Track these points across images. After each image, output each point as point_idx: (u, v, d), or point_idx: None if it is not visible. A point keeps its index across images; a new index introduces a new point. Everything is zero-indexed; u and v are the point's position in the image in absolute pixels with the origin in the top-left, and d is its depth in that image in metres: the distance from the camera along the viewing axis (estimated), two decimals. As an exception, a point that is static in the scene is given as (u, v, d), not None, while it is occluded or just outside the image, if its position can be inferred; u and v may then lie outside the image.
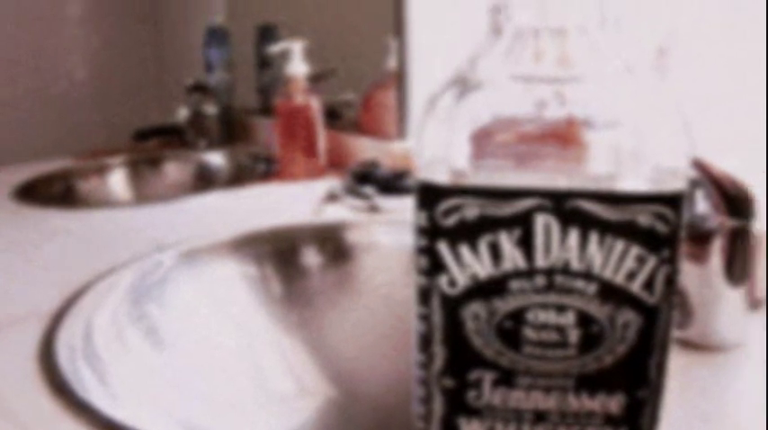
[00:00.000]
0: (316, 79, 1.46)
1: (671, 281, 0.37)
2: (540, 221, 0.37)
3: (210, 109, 1.91)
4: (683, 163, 0.36)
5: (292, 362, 0.87)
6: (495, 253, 0.38)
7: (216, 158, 1.81)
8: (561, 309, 0.38)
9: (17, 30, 2.34)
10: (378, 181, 1.21)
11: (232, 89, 2.00)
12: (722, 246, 0.64)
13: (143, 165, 1.80)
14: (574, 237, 0.37)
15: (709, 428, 0.54)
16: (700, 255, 0.65)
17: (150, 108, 2.50)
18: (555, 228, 0.37)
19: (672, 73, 0.80)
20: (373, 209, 1.13)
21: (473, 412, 0.41)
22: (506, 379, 0.40)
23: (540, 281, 0.38)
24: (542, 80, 0.37)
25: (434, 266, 0.39)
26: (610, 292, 0.38)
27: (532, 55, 0.37)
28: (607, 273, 0.37)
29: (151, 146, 2.03)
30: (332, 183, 1.29)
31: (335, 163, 1.46)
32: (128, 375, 0.71)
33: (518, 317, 0.39)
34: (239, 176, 1.66)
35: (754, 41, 0.79)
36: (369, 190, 1.17)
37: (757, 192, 0.63)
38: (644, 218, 0.36)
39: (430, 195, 0.38)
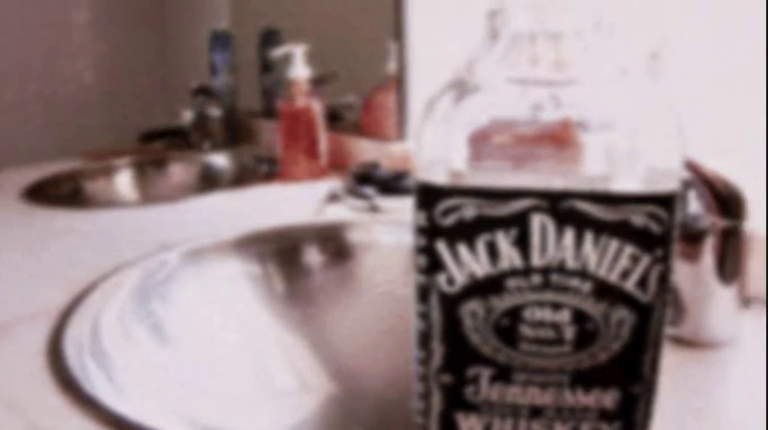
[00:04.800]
0: (317, 82, 1.47)
1: (664, 279, 0.38)
2: (537, 221, 0.37)
3: (215, 111, 1.92)
4: (676, 164, 0.37)
5: (294, 358, 0.88)
6: (493, 252, 0.38)
7: (220, 160, 1.82)
8: (557, 306, 0.39)
9: (27, 35, 2.35)
10: (378, 182, 1.22)
11: (236, 92, 2.00)
12: (714, 245, 0.64)
13: (149, 166, 1.81)
14: (569, 236, 0.37)
15: (702, 423, 0.55)
16: (692, 254, 0.65)
17: (156, 110, 2.51)
18: (551, 227, 0.37)
19: (664, 76, 0.81)
20: (373, 209, 1.14)
21: (471, 407, 0.42)
22: (503, 375, 0.40)
23: (537, 279, 0.38)
24: (538, 83, 0.38)
25: (433, 265, 0.39)
26: (604, 291, 0.38)
27: (529, 59, 0.38)
28: (602, 272, 0.38)
29: (157, 147, 2.04)
30: (333, 183, 1.29)
31: (337, 164, 1.47)
32: (134, 371, 0.71)
33: (515, 314, 0.39)
34: (243, 177, 1.67)
35: (745, 44, 0.79)
36: (369, 190, 1.18)
37: (752, 193, 0.63)
38: (638, 218, 0.37)
39: (429, 196, 0.38)
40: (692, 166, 0.63)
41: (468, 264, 0.39)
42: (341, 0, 1.62)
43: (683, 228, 0.65)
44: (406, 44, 1.37)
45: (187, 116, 1.92)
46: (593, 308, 0.38)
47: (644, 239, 0.37)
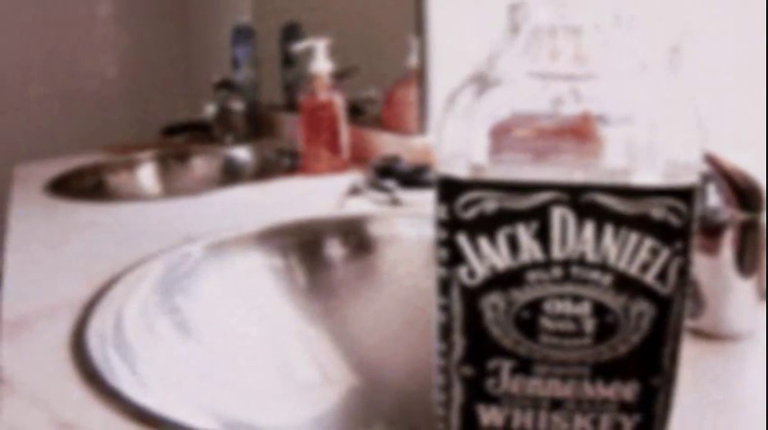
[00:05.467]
0: (339, 76, 1.47)
1: (684, 272, 0.38)
2: (557, 214, 0.38)
3: (237, 105, 1.93)
4: (696, 157, 0.37)
5: (316, 351, 0.88)
6: (513, 245, 0.38)
7: (242, 153, 1.83)
8: (577, 299, 0.39)
9: (51, 30, 2.37)
10: (399, 175, 1.22)
11: (258, 86, 2.01)
12: (733, 238, 0.64)
13: (171, 159, 1.82)
14: (589, 229, 0.38)
15: (721, 415, 0.55)
16: (711, 247, 0.65)
17: (178, 104, 2.52)
18: (571, 220, 0.37)
19: (684, 69, 0.80)
20: (395, 202, 1.14)
21: (491, 399, 0.42)
22: (524, 367, 0.41)
23: (557, 272, 0.39)
24: (559, 77, 0.38)
25: (454, 258, 0.40)
26: (624, 283, 0.38)
27: (549, 53, 0.38)
28: (622, 265, 0.38)
29: (179, 141, 2.05)
30: (354, 177, 1.30)
31: (358, 157, 1.47)
32: (157, 364, 0.72)
33: (535, 307, 0.39)
34: (265, 171, 1.67)
35: (764, 37, 0.79)
36: (390, 184, 1.18)
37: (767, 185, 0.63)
38: (657, 211, 0.37)
39: (450, 189, 0.38)
40: (711, 160, 0.63)
41: (488, 256, 0.39)
42: (362, -6, 1.62)
43: (703, 222, 0.65)
44: (428, 38, 1.37)
45: (209, 110, 1.93)
46: (613, 300, 0.38)
47: (663, 232, 0.37)
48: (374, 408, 0.80)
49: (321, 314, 0.93)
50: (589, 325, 0.39)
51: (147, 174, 1.78)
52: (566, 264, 0.38)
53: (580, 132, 0.37)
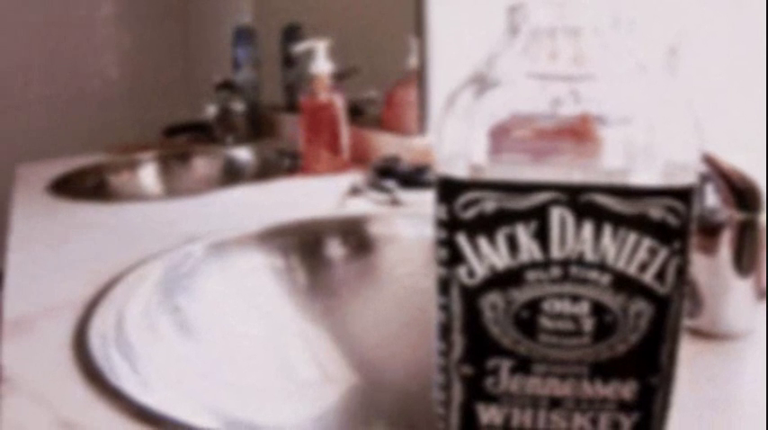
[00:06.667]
0: (339, 77, 1.48)
1: (682, 271, 0.38)
2: (556, 214, 0.38)
3: (238, 106, 1.93)
4: (694, 158, 0.37)
5: (317, 350, 0.88)
6: (513, 245, 0.39)
7: (243, 154, 1.83)
8: (576, 298, 0.39)
9: (52, 31, 2.37)
10: (399, 175, 1.22)
11: (258, 87, 2.01)
12: (731, 238, 0.64)
13: (173, 160, 1.82)
14: (588, 229, 0.38)
15: (719, 414, 0.55)
16: (709, 247, 0.65)
17: (180, 105, 2.52)
18: (570, 220, 0.38)
19: (682, 71, 0.81)
20: (395, 202, 1.14)
21: (491, 398, 0.42)
22: (523, 366, 0.41)
23: (556, 272, 0.39)
24: (558, 78, 0.38)
25: (454, 258, 0.40)
26: (623, 283, 0.38)
27: (548, 54, 0.38)
28: (620, 265, 0.38)
29: (180, 141, 2.05)
30: (355, 177, 1.30)
31: (358, 158, 1.47)
32: (158, 363, 0.72)
33: (534, 306, 0.40)
34: (265, 171, 1.67)
35: (762, 39, 0.79)
36: (390, 184, 1.18)
37: (764, 185, 0.63)
38: (656, 211, 0.37)
39: (449, 189, 0.39)
40: (709, 160, 0.63)
41: (488, 256, 0.39)
42: (363, -5, 1.63)
43: (701, 221, 0.65)
44: (428, 39, 1.37)
45: (210, 110, 1.93)
46: (612, 300, 0.39)
47: (662, 232, 0.37)
48: (374, 407, 0.80)
49: (321, 313, 0.93)
50: (588, 324, 0.39)
51: (148, 175, 1.78)
52: (564, 263, 0.39)
53: (579, 133, 0.38)
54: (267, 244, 1.00)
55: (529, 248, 0.39)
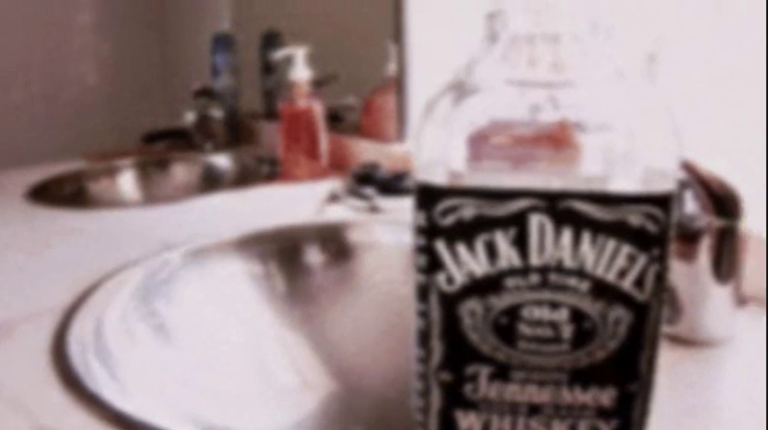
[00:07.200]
0: (318, 84, 1.48)
1: (661, 278, 0.38)
2: (535, 221, 0.38)
3: (217, 113, 1.93)
4: (673, 164, 0.37)
5: (296, 356, 0.88)
6: (492, 251, 0.39)
7: (222, 160, 1.82)
8: (555, 305, 0.39)
9: (30, 36, 2.36)
10: (378, 182, 1.22)
11: (237, 94, 2.00)
12: (710, 244, 0.65)
13: (151, 166, 1.81)
14: (567, 236, 0.38)
15: (697, 421, 0.55)
16: (688, 254, 0.66)
17: (158, 112, 2.51)
18: (549, 227, 0.38)
19: (661, 77, 0.81)
20: (374, 209, 1.14)
21: (470, 405, 0.42)
22: (502, 373, 0.41)
23: (535, 278, 0.39)
24: (537, 85, 0.38)
25: (432, 264, 0.40)
26: (602, 290, 0.39)
27: (527, 60, 0.38)
28: (599, 271, 0.38)
29: (159, 148, 2.04)
30: (334, 184, 1.30)
31: (337, 165, 1.47)
32: (137, 369, 0.72)
33: (513, 313, 0.40)
34: (244, 178, 1.67)
35: (740, 45, 0.80)
36: (369, 191, 1.18)
37: (748, 193, 0.64)
38: (635, 218, 0.37)
39: (428, 196, 0.39)
40: (688, 167, 0.63)
41: (467, 263, 0.39)
42: (341, 2, 1.63)
43: (680, 228, 0.65)
44: (406, 46, 1.37)
45: (189, 117, 1.93)
46: (591, 307, 0.39)
47: (641, 239, 0.38)
48: (353, 414, 0.80)
49: (300, 320, 0.93)
50: (567, 331, 0.39)
51: (127, 181, 1.77)
52: (543, 270, 0.39)
53: (558, 139, 0.38)
54: (246, 250, 0.99)
55: (508, 255, 0.39)
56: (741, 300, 0.69)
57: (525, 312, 0.39)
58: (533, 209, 0.38)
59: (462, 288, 0.40)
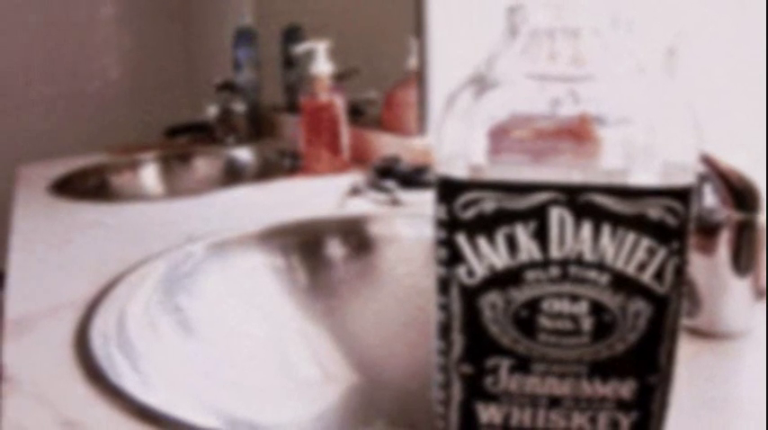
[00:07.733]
0: (339, 78, 1.48)
1: (680, 271, 0.38)
2: (555, 214, 0.38)
3: (239, 106, 1.93)
4: (692, 158, 0.37)
5: (317, 349, 0.88)
6: (512, 244, 0.39)
7: (244, 154, 1.83)
8: (575, 298, 0.39)
9: (54, 32, 2.38)
10: (399, 176, 1.22)
11: (259, 87, 2.01)
12: (729, 238, 0.65)
13: (174, 160, 1.82)
14: (587, 229, 0.38)
15: (717, 413, 0.55)
16: (708, 247, 0.66)
17: (181, 106, 2.53)
18: (569, 220, 0.38)
19: (681, 71, 0.81)
20: (395, 202, 1.15)
21: (490, 397, 0.42)
22: (522, 365, 0.41)
23: (555, 271, 0.39)
24: (557, 79, 0.38)
25: (453, 257, 0.40)
26: (621, 282, 0.39)
27: (547, 55, 0.38)
28: (619, 264, 0.38)
29: (182, 142, 2.05)
30: (355, 177, 1.30)
31: (358, 158, 1.48)
32: (159, 362, 0.72)
33: (533, 306, 0.40)
34: (266, 171, 1.68)
35: (760, 39, 0.79)
36: (390, 184, 1.18)
37: (763, 186, 0.64)
38: (654, 211, 0.37)
39: (449, 189, 0.39)
40: (707, 160, 0.63)
41: (487, 256, 0.39)
42: (363, -4, 1.63)
43: (699, 221, 0.65)
44: (427, 40, 1.37)
45: (211, 111, 1.94)
46: (611, 299, 0.39)
47: (660, 232, 0.38)
48: (374, 406, 0.80)
49: (322, 313, 0.93)
50: (587, 323, 0.39)
51: (149, 175, 1.78)
52: (563, 263, 0.39)
53: (578, 133, 0.38)
54: (268, 243, 1.00)
55: (528, 248, 0.39)
56: (760, 293, 0.69)
57: (545, 305, 0.40)
58: (553, 202, 0.38)
59: (483, 281, 0.40)
